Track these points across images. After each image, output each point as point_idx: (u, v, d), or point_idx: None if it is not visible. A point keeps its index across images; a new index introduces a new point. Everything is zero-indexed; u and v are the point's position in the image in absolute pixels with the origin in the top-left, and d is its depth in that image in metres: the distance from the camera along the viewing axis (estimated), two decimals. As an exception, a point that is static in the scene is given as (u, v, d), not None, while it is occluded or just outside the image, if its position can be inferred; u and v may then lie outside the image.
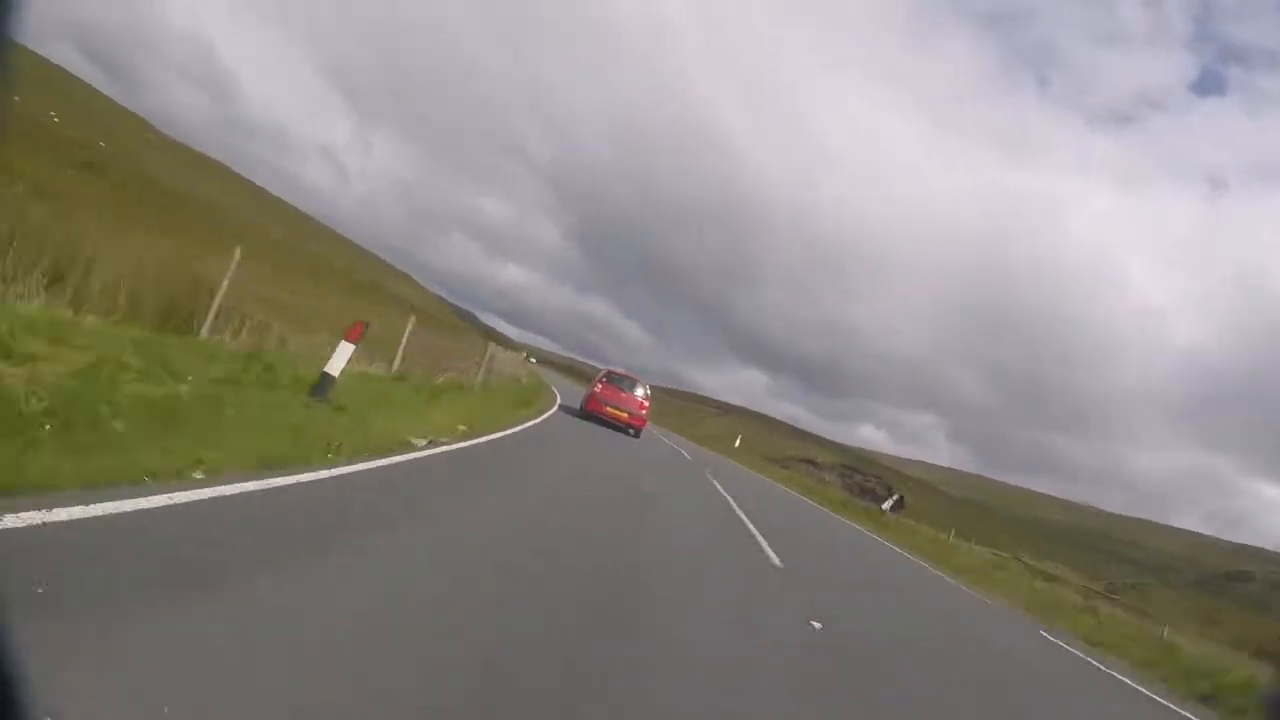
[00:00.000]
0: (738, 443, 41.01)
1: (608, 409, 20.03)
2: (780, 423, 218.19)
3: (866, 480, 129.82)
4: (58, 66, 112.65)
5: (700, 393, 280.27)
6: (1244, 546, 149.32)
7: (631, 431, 20.36)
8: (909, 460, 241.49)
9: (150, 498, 3.28)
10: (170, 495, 3.40)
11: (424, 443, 7.17)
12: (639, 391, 20.93)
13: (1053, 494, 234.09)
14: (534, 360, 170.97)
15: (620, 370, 22.41)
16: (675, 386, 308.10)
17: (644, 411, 20.79)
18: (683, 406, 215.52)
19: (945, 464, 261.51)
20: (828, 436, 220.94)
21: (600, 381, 21.22)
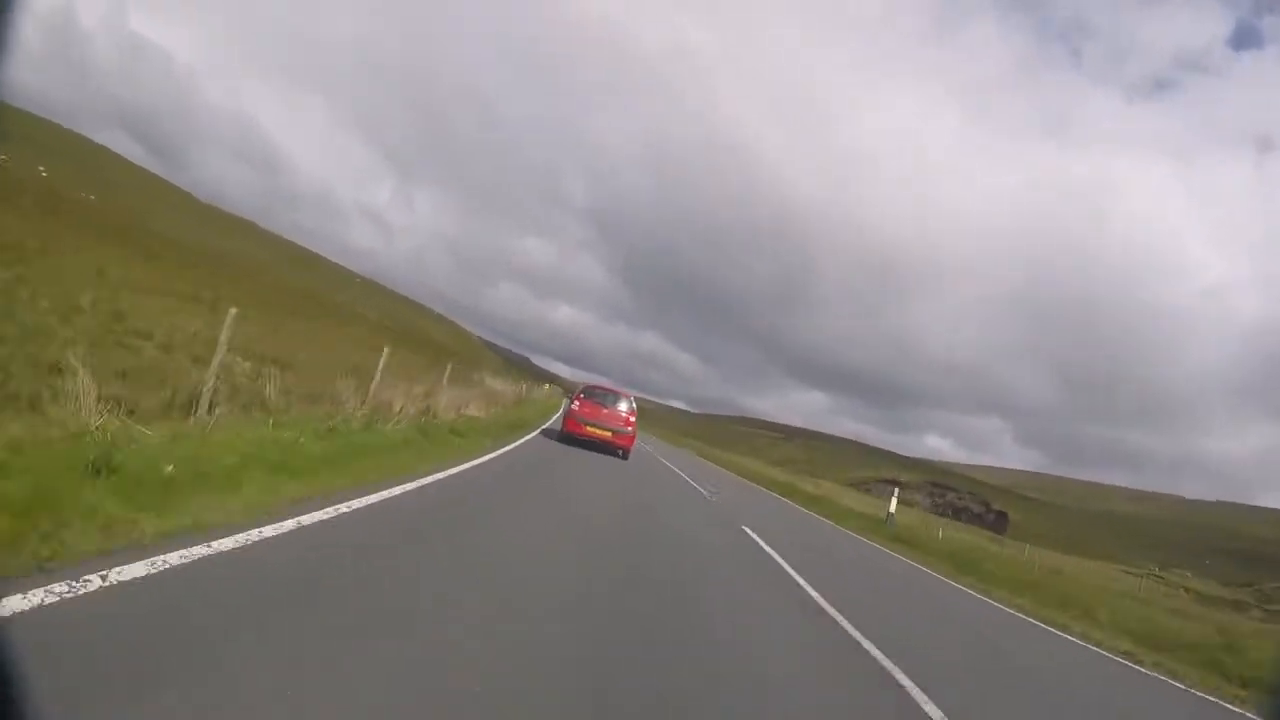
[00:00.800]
0: (893, 506, 25.62)
1: (588, 429, 17.86)
2: (846, 440, 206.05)
3: (960, 498, 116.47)
4: (102, 147, 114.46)
5: (761, 417, 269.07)
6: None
7: (620, 453, 18.24)
8: (977, 466, 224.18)
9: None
10: None
11: None
12: (622, 406, 18.65)
13: (1123, 485, 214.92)
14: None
15: (602, 384, 20.46)
16: (734, 414, 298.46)
17: (630, 428, 18.53)
18: (745, 433, 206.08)
19: (1014, 466, 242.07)
20: (895, 450, 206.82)
21: (578, 398, 18.98)
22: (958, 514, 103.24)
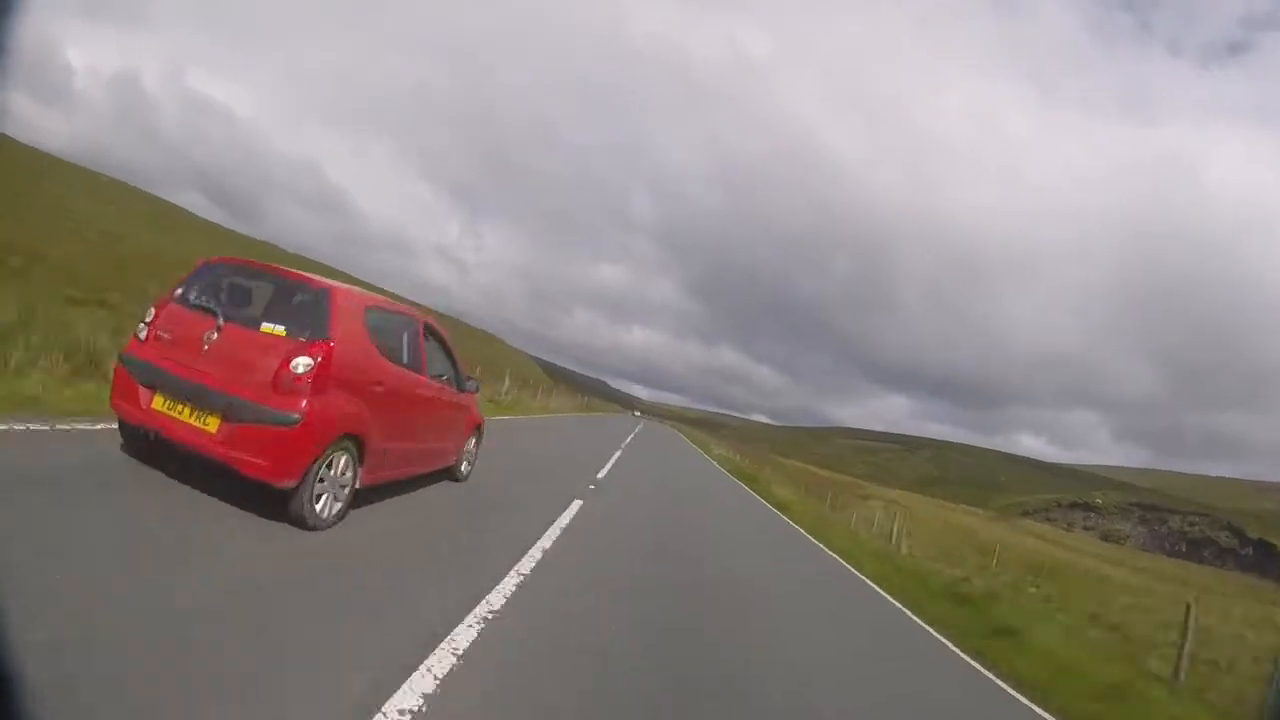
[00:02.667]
0: None
1: (142, 410, 4.18)
2: (978, 449, 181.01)
3: (1189, 524, 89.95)
4: (174, 204, 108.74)
5: (863, 426, 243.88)
6: None
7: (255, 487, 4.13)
8: (1082, 465, 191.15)
9: None
10: None
11: None
12: (309, 325, 4.24)
13: (1229, 475, 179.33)
14: (637, 413, 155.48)
15: (234, 266, 4.71)
16: (822, 424, 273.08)
17: (299, 411, 4.07)
18: (857, 448, 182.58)
19: (1117, 463, 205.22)
20: (1035, 456, 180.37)
21: (162, 305, 4.44)
22: (1195, 549, 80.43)
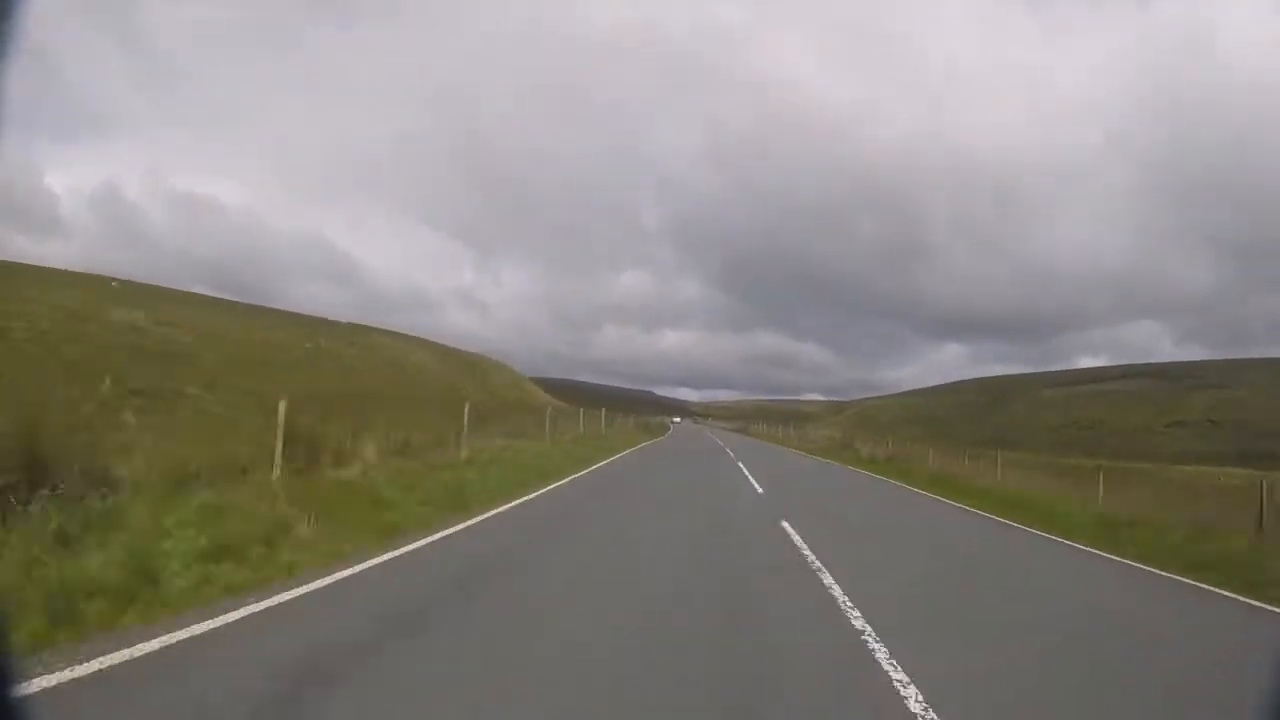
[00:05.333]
0: None
1: None
2: None
3: None
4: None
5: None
6: None
7: None
8: (1133, 364, 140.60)
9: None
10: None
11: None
12: None
13: None
14: (676, 420, 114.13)
15: None
16: (885, 391, 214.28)
17: None
18: (1102, 396, 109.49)
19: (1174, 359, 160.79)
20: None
21: None
22: None
